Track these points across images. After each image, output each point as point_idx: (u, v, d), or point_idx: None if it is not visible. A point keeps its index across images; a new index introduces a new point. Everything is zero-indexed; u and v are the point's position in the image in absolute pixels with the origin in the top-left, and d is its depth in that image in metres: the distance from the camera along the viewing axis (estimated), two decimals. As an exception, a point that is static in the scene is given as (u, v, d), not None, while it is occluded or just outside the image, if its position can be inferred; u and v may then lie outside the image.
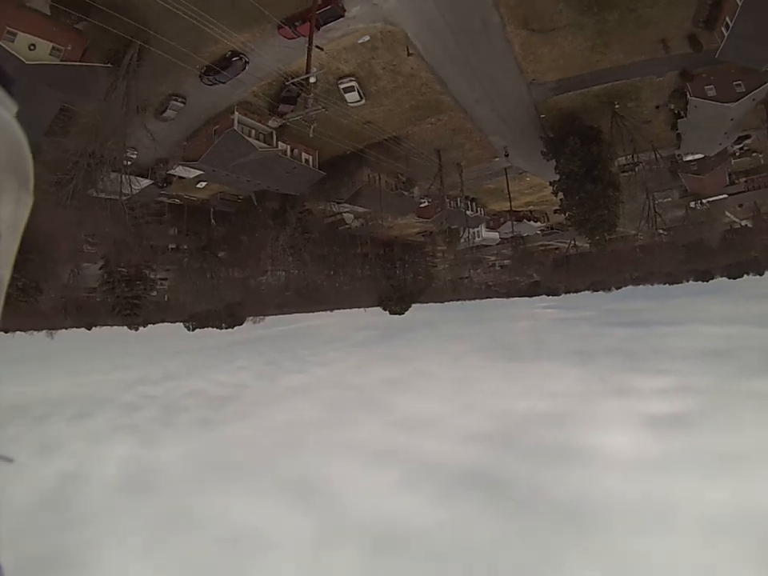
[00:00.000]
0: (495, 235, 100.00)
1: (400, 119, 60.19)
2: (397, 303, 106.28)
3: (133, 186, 55.16)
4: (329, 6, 44.11)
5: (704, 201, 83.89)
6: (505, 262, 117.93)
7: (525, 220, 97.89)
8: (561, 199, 64.90)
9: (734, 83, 51.32)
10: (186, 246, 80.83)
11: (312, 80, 44.95)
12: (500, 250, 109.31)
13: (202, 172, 58.62)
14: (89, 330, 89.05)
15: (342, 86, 53.49)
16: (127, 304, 77.09)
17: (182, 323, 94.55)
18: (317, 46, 44.34)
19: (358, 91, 54.03)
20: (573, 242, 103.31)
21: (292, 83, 47.96)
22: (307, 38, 44.13)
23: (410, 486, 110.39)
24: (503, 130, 63.33)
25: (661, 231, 75.50)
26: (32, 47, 37.23)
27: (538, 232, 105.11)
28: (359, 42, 48.38)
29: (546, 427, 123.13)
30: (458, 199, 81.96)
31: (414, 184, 75.80)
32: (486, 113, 59.37)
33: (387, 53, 50.45)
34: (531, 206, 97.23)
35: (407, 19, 46.56)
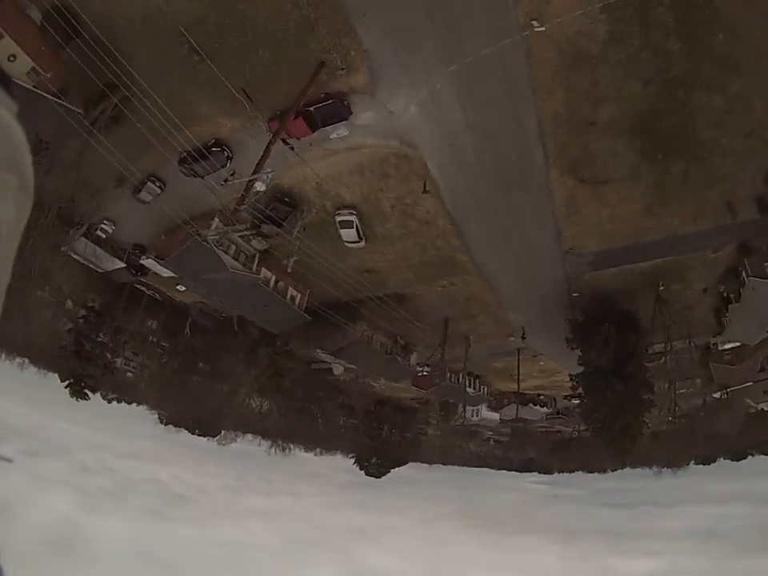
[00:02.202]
0: (496, 416, 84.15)
1: (406, 275, 44.01)
2: (375, 466, 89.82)
3: (105, 262, 47.62)
4: (330, 101, 30.17)
5: (727, 391, 67.48)
6: (502, 438, 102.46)
7: (531, 404, 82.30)
8: (580, 395, 49.06)
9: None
10: (165, 344, 68.08)
11: (259, 187, 27.82)
12: (498, 428, 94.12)
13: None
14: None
15: (338, 219, 38.87)
16: (78, 380, 62.10)
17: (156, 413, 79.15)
18: (290, 146, 27.60)
19: (358, 229, 39.22)
20: (577, 428, 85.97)
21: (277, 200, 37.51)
22: (301, 139, 32.06)
23: None
24: (525, 306, 47.75)
25: (673, 420, 59.76)
26: (12, 58, 27.77)
27: (543, 416, 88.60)
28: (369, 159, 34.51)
29: None
30: (460, 375, 65.30)
31: (413, 350, 59.31)
32: (510, 282, 43.93)
33: (400, 185, 35.78)
34: (539, 390, 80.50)
35: (429, 142, 32.51)
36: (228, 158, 34.82)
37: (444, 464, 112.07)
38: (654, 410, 49.08)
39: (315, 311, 48.04)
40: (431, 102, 29.66)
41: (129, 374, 70.82)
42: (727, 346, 55.55)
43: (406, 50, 28.11)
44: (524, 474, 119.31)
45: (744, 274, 39.85)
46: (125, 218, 42.75)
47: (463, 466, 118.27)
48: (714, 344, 55.31)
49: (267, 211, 38.08)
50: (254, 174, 28.33)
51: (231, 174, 31.02)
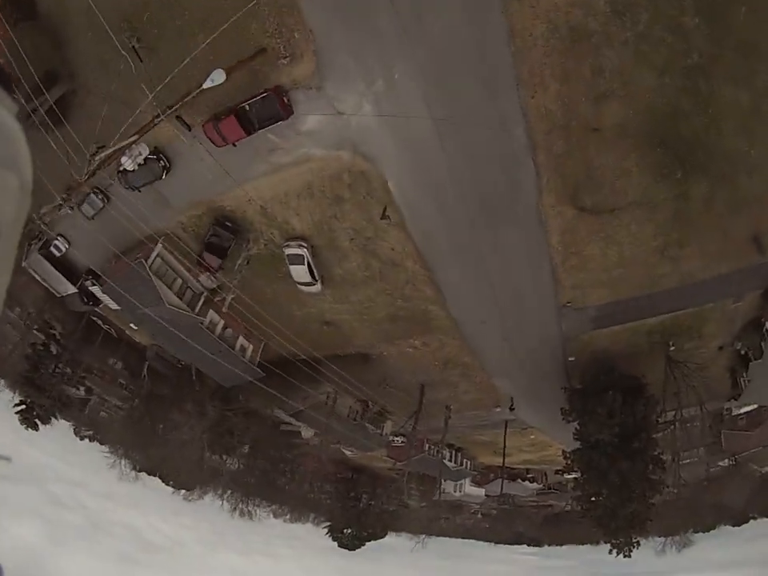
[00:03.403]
0: (481, 492, 74.04)
1: (371, 331, 35.56)
2: (350, 538, 79.68)
3: (59, 285, 40.66)
4: (265, 93, 22.69)
5: (736, 458, 61.11)
6: (489, 511, 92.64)
7: (519, 480, 72.50)
8: (576, 473, 39.32)
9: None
10: (132, 387, 59.60)
11: (127, 164, 20.34)
12: (485, 504, 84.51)
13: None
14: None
15: (286, 252, 30.13)
16: (29, 408, 55.13)
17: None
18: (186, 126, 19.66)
19: (311, 267, 30.40)
20: (569, 503, 78.05)
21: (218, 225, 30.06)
22: (238, 142, 24.52)
23: None
24: (514, 372, 38.37)
25: (676, 492, 48.73)
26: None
27: (533, 492, 79.54)
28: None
29: None
30: (440, 447, 55.18)
31: (388, 418, 48.77)
32: (495, 344, 34.78)
33: (357, 212, 27.62)
34: (529, 465, 70.65)
35: (388, 153, 24.69)
36: (164, 168, 27.33)
37: (428, 535, 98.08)
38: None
39: (278, 364, 38.88)
40: (389, 97, 21.68)
41: (102, 414, 65.77)
42: (742, 411, 48.64)
43: (357, 28, 20.37)
44: (513, 546, 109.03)
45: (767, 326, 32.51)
46: (80, 234, 34.45)
47: (449, 537, 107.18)
48: (727, 409, 47.93)
49: (207, 237, 30.49)
50: (119, 144, 19.82)
51: (99, 148, 22.48)
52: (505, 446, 50.16)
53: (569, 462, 38.96)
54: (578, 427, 35.37)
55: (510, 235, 26.13)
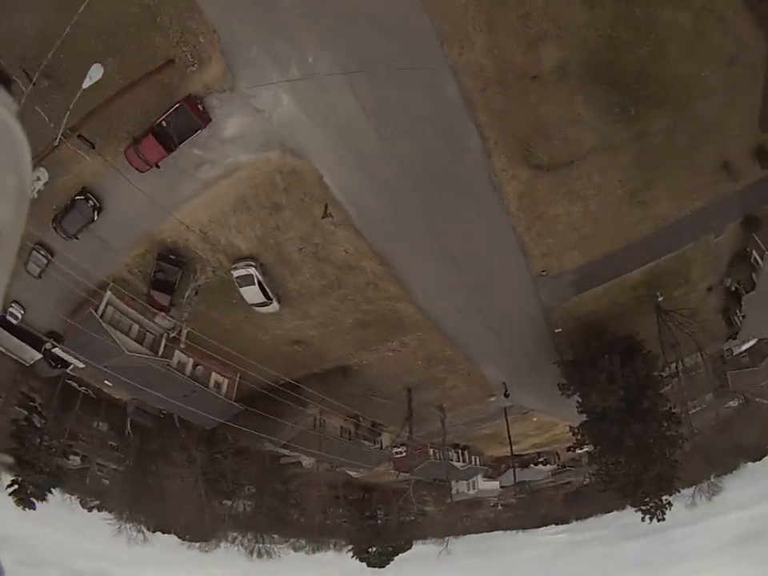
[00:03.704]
0: (495, 485, 72.10)
1: (344, 341, 33.13)
2: (377, 556, 76.88)
3: (23, 353, 38.14)
4: (177, 105, 20.85)
5: (745, 396, 58.45)
6: (509, 501, 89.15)
7: (531, 465, 71.01)
8: (591, 452, 37.21)
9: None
10: (123, 447, 56.18)
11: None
12: (502, 495, 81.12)
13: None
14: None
15: (234, 276, 27.71)
16: (22, 488, 51.70)
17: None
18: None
19: (263, 287, 27.87)
20: (587, 476, 75.83)
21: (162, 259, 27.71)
22: (162, 162, 22.30)
23: None
24: (500, 357, 36.13)
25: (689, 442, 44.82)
26: None
27: (548, 473, 77.66)
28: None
29: None
30: (444, 449, 52.11)
31: (382, 430, 46.01)
32: (474, 330, 32.37)
33: (299, 218, 25.35)
34: (539, 449, 68.67)
35: (317, 144, 22.47)
36: (95, 208, 24.89)
37: (454, 536, 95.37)
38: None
39: (259, 397, 36.49)
40: (306, 83, 19.22)
41: (104, 480, 62.42)
42: (743, 348, 46.96)
43: (260, 16, 18.29)
44: (539, 528, 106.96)
45: (755, 253, 30.42)
46: (32, 296, 31.61)
47: (475, 533, 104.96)
48: (727, 350, 46.08)
49: (153, 274, 28.01)
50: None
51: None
52: (510, 435, 47.65)
53: (579, 438, 37.05)
54: (581, 400, 33.20)
55: (466, 210, 23.88)
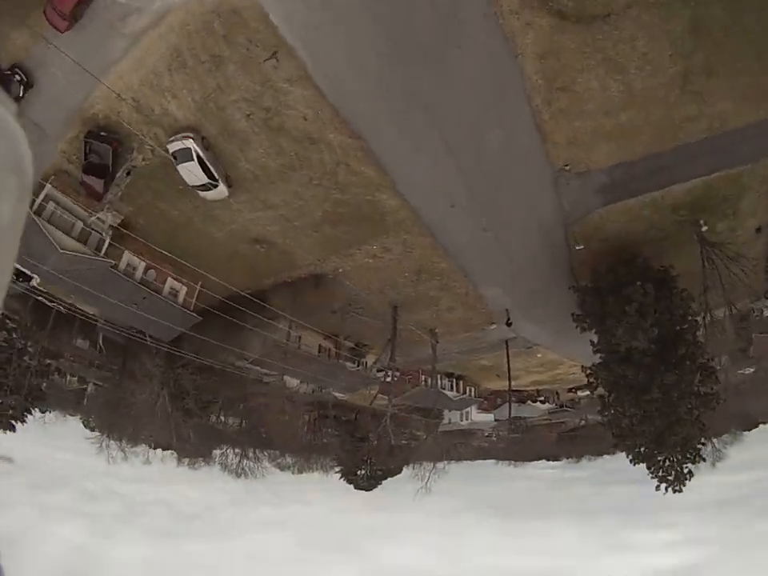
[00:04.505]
0: (489, 417, 66.85)
1: (312, 241, 26.91)
2: (365, 479, 74.22)
3: None
4: None
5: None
6: (503, 433, 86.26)
7: (529, 401, 66.58)
8: (604, 401, 28.60)
9: None
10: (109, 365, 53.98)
11: None
12: (496, 428, 79.18)
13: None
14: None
15: (171, 151, 21.92)
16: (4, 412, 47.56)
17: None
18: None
19: (204, 164, 21.84)
20: (583, 419, 78.66)
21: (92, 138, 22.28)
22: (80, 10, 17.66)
23: None
24: (505, 275, 29.91)
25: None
26: None
27: (545, 411, 74.23)
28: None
29: None
30: (439, 376, 47.73)
31: (367, 351, 41.21)
32: (474, 238, 25.75)
33: (244, 71, 19.09)
34: (539, 386, 63.77)
35: None
36: (22, 83, 20.23)
37: (448, 461, 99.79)
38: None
39: (218, 310, 31.09)
40: None
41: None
42: None
43: None
44: (531, 462, 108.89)
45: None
46: None
47: (468, 460, 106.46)
48: (757, 310, 38.71)
49: (85, 157, 22.80)
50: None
51: None
52: (509, 369, 42.40)
53: (592, 381, 29.49)
54: (599, 336, 27.18)
55: (464, 65, 17.14)
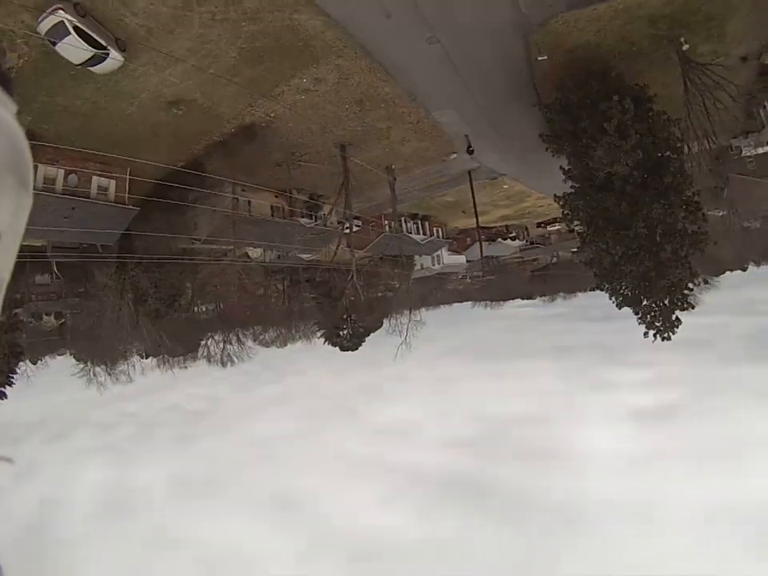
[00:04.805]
0: (461, 259, 65.18)
1: (234, 89, 22.26)
2: (349, 338, 71.32)
3: None
4: None
5: (735, 210, 46.88)
6: (476, 275, 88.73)
7: (499, 239, 63.93)
8: (585, 236, 25.39)
9: None
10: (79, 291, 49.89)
11: None
12: (469, 270, 79.32)
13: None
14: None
15: (42, 33, 17.87)
16: None
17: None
18: None
19: (85, 34, 17.99)
20: (555, 255, 79.76)
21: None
22: None
23: (395, 499, 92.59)
24: (458, 95, 26.19)
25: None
26: None
27: (517, 249, 71.89)
28: None
29: (529, 427, 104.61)
30: (403, 219, 45.77)
31: (323, 203, 37.26)
32: (418, 52, 21.23)
33: None
34: (507, 221, 61.68)
35: None
36: None
37: (426, 308, 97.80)
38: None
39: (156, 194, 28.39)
40: None
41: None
42: (755, 151, 37.15)
43: None
44: (506, 302, 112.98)
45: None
46: None
47: (445, 304, 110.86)
48: (735, 147, 36.52)
49: None
50: None
51: None
52: (475, 203, 40.17)
53: (567, 213, 25.57)
54: (572, 159, 24.24)
55: None
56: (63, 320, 56.06)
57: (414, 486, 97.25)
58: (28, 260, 36.31)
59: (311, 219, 37.75)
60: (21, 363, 49.63)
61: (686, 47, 22.54)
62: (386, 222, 44.36)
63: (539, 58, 23.19)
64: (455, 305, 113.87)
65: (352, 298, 68.62)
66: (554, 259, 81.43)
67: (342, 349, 71.92)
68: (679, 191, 22.26)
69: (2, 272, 1.24)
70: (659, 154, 22.32)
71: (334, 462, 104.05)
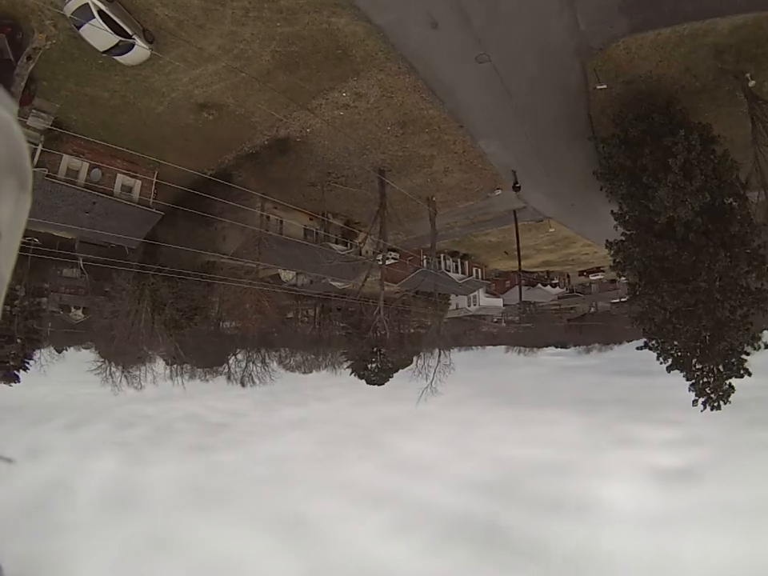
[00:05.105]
0: (498, 302, 62.65)
1: (266, 95, 20.59)
2: (376, 372, 71.17)
3: None
4: None
5: None
6: (512, 319, 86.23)
7: (539, 285, 61.60)
8: (637, 288, 21.71)
9: None
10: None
11: None
12: (505, 314, 75.98)
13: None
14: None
15: (68, 15, 16.70)
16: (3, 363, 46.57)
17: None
18: None
19: (110, 20, 16.66)
20: (594, 305, 77.68)
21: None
22: None
23: (403, 532, 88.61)
24: (507, 124, 24.28)
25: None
26: None
27: (555, 296, 69.05)
28: None
29: (548, 476, 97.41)
30: (442, 255, 44.16)
31: (359, 230, 36.36)
32: (466, 72, 19.06)
33: None
34: (549, 267, 59.18)
35: None
36: None
37: (458, 348, 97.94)
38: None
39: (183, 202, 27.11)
40: None
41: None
42: None
43: None
44: (540, 349, 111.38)
45: None
46: None
47: (479, 346, 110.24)
48: None
49: None
50: None
51: None
52: (518, 244, 37.81)
53: (618, 261, 22.24)
54: (628, 200, 21.53)
55: None
56: (90, 315, 55.13)
57: (423, 521, 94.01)
58: (56, 252, 35.86)
59: (345, 246, 36.01)
60: (37, 351, 50.17)
61: (752, 83, 20.13)
62: (425, 256, 42.20)
63: (598, 87, 20.97)
64: (488, 347, 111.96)
65: (381, 332, 66.75)
66: (593, 309, 79.66)
67: (369, 382, 71.93)
68: (745, 242, 19.42)
69: (2, 271, 1.21)
70: (724, 200, 19.77)
71: (346, 489, 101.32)
